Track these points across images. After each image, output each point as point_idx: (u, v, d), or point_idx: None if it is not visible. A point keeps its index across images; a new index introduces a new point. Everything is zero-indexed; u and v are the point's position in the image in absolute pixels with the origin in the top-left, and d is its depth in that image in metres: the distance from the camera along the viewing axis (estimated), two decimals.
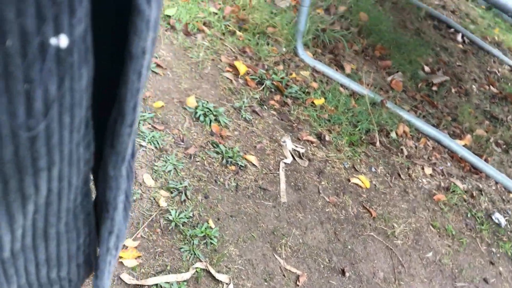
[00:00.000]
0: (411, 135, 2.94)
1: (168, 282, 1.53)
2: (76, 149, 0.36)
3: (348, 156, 2.52)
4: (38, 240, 0.40)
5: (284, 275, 1.78)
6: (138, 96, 0.35)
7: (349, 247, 2.04)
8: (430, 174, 2.75)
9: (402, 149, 2.78)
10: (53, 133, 0.32)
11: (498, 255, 2.48)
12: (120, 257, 1.54)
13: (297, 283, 1.78)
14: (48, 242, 0.42)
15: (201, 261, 1.65)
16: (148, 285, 1.50)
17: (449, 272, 2.21)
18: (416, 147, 2.89)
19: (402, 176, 2.61)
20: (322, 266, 1.90)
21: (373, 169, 2.54)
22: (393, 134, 2.84)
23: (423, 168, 2.75)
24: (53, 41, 0.27)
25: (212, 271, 1.64)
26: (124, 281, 1.50)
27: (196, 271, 1.62)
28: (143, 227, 1.65)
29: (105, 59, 0.37)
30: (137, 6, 0.30)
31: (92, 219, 0.47)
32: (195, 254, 1.66)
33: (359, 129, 2.70)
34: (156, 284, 1.51)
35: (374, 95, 2.98)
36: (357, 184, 2.38)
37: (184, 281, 1.56)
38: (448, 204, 2.60)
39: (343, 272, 1.92)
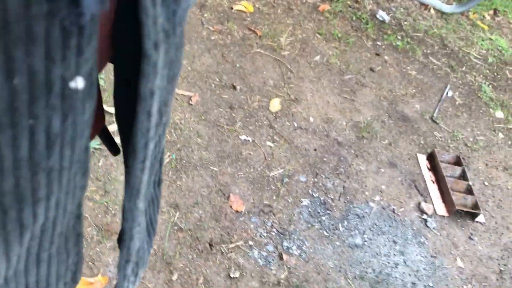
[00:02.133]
0: None
1: None
2: (74, 178, 0.37)
3: None
4: (31, 265, 0.41)
5: (177, 99, 1.94)
6: (149, 135, 0.36)
7: (238, 65, 2.20)
8: None
9: None
10: (54, 166, 0.32)
11: (384, 46, 2.71)
12: None
13: (190, 102, 1.94)
14: (39, 266, 0.43)
15: None
16: None
17: (337, 69, 2.43)
18: None
19: None
20: (213, 85, 2.06)
21: None
22: None
23: None
24: (72, 84, 0.28)
25: (105, 107, 1.77)
26: None
27: None
28: None
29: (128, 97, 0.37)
30: (145, 50, 0.31)
31: (81, 239, 0.48)
32: None
33: None
34: None
35: None
36: (240, 10, 2.48)
37: None
38: (333, 12, 2.76)
39: (234, 87, 2.09)
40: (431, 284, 1.75)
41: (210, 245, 1.57)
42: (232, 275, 1.52)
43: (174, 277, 1.46)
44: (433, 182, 2.11)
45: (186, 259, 1.51)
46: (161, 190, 0.48)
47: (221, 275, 1.51)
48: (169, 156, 1.74)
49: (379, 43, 2.71)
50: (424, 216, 1.95)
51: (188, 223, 1.60)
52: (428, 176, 2.13)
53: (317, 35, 2.57)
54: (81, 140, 0.34)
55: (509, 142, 2.47)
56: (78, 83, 0.28)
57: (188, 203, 1.64)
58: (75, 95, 0.30)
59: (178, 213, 1.60)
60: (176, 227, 1.57)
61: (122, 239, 0.45)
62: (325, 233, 1.75)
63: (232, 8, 2.46)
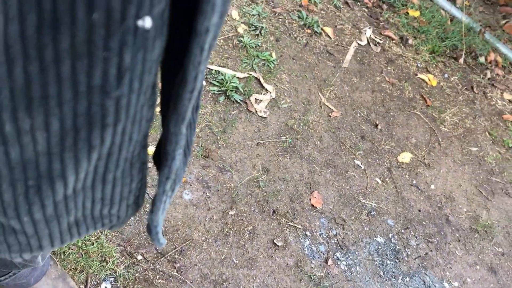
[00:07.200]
0: (502, 65, 3.00)
1: (225, 73, 2.02)
2: (141, 110, 0.40)
3: (424, 59, 2.73)
4: (97, 182, 0.46)
5: (320, 107, 2.16)
6: (199, 68, 0.38)
7: (391, 113, 2.32)
8: (509, 100, 2.81)
9: (486, 73, 2.88)
10: (123, 96, 0.36)
11: None
12: None
13: (330, 115, 2.14)
14: (105, 185, 0.47)
15: (255, 71, 2.12)
16: (210, 68, 2.01)
17: (488, 168, 2.35)
18: (504, 77, 2.95)
19: (475, 90, 2.74)
20: (358, 115, 2.22)
21: (446, 76, 2.72)
22: (481, 59, 2.94)
23: (502, 93, 2.83)
24: (140, 23, 0.30)
25: (262, 80, 2.09)
26: None
27: (250, 76, 2.08)
28: (219, 39, 2.16)
29: (179, 33, 0.41)
30: None
31: (146, 167, 0.52)
32: (252, 67, 2.13)
33: (445, 44, 2.87)
34: (218, 71, 2.01)
35: (474, 24, 3.09)
36: (423, 80, 2.60)
37: (237, 77, 2.04)
38: None
39: (376, 125, 2.22)
40: None
41: (274, 211, 1.71)
42: (276, 242, 1.63)
43: (231, 212, 1.64)
44: None
45: (249, 207, 1.68)
46: (198, 115, 0.51)
47: (268, 236, 1.64)
48: (286, 138, 1.95)
49: None
50: None
51: (267, 186, 1.77)
52: None
53: (487, 133, 2.52)
54: (149, 75, 0.37)
55: None
56: (146, 22, 0.31)
57: (278, 175, 1.82)
58: (146, 33, 0.32)
59: (265, 176, 1.79)
60: (256, 183, 1.75)
61: (164, 159, 0.48)
62: (381, 273, 1.72)
63: (416, 75, 2.60)
